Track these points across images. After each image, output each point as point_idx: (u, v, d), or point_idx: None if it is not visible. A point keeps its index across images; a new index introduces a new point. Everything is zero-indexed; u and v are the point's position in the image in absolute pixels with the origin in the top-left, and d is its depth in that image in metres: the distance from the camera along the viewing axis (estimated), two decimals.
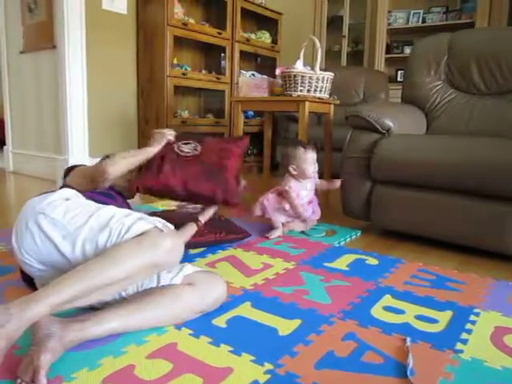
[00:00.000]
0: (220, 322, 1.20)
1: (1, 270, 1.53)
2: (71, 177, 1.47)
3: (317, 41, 2.45)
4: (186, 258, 1.66)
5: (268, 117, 2.99)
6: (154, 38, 3.49)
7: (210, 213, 1.75)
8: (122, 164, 1.44)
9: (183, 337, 1.11)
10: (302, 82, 2.39)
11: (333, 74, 2.51)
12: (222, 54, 4.08)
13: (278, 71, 2.70)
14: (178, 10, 3.61)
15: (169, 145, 1.60)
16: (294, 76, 2.39)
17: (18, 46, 3.73)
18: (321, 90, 2.46)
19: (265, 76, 2.73)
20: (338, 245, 2.00)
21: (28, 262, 1.18)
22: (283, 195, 2.08)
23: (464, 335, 1.18)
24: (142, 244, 1.08)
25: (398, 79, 4.78)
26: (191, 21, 3.69)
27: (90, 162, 2.23)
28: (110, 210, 1.21)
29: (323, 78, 2.43)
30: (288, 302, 1.35)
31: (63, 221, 1.15)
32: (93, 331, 1.00)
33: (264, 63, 4.74)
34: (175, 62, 3.65)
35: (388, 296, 1.43)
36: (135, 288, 1.16)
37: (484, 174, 1.74)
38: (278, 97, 2.57)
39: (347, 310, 1.31)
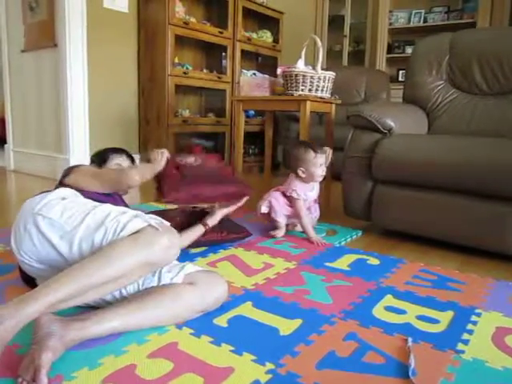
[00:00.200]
0: (221, 321, 1.20)
1: (2, 269, 1.53)
2: (76, 176, 1.46)
3: (318, 40, 2.45)
4: (187, 257, 1.66)
5: (269, 116, 2.98)
6: (155, 37, 3.49)
7: (218, 217, 1.78)
8: (147, 175, 1.50)
9: (184, 336, 1.11)
10: (303, 82, 2.39)
11: (334, 74, 2.50)
12: (223, 53, 4.07)
13: (279, 70, 2.70)
14: (180, 9, 3.60)
15: (170, 161, 1.68)
16: (296, 75, 2.38)
17: (20, 45, 3.73)
18: (322, 90, 2.46)
19: (266, 75, 2.73)
20: (338, 245, 2.00)
21: (27, 262, 1.19)
22: (289, 199, 2.06)
23: (465, 335, 1.18)
24: (137, 242, 1.07)
25: (400, 79, 4.78)
26: (192, 20, 3.69)
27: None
28: (106, 208, 1.21)
29: (325, 77, 2.43)
30: (289, 302, 1.35)
31: (60, 220, 1.15)
32: (93, 330, 1.00)
33: (265, 62, 4.73)
34: (176, 60, 3.64)
35: (389, 296, 1.43)
36: (136, 287, 1.16)
37: (485, 174, 1.74)
38: (280, 96, 2.56)
39: (348, 310, 1.31)
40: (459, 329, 1.21)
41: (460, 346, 1.12)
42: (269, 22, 4.61)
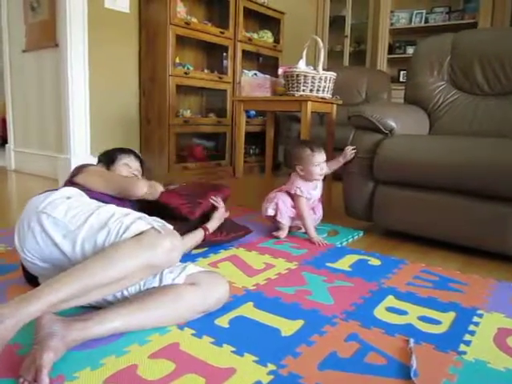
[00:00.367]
0: (222, 322, 1.20)
1: (3, 269, 1.53)
2: (86, 175, 1.47)
3: (319, 41, 2.44)
4: (189, 258, 1.66)
5: (270, 116, 2.98)
6: (157, 37, 3.49)
7: (216, 222, 1.79)
8: (154, 192, 1.55)
9: (186, 337, 1.11)
10: (304, 82, 2.38)
11: (335, 74, 2.50)
12: (224, 54, 4.07)
13: (280, 71, 2.70)
14: (181, 9, 3.60)
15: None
16: (297, 76, 2.38)
17: (21, 45, 3.73)
18: (323, 90, 2.46)
19: (267, 75, 2.73)
20: (340, 245, 2.00)
21: (30, 260, 1.19)
22: (293, 199, 2.05)
23: (467, 336, 1.17)
24: (140, 244, 1.08)
25: (401, 79, 4.77)
26: (194, 20, 3.69)
27: (91, 160, 2.22)
28: (110, 208, 1.21)
29: (326, 77, 2.43)
30: (290, 303, 1.35)
31: (64, 220, 1.16)
32: (95, 330, 1.00)
33: (266, 63, 4.73)
34: (177, 61, 3.64)
35: (391, 297, 1.42)
36: (137, 287, 1.16)
37: (487, 175, 1.74)
38: (281, 96, 2.56)
39: (350, 311, 1.30)
40: (461, 330, 1.21)
41: (462, 347, 1.11)
42: (270, 22, 4.60)
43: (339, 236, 2.13)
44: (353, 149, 2.14)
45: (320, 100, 2.47)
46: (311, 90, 2.41)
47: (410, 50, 4.64)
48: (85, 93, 3.29)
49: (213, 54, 4.19)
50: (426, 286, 1.53)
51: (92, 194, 1.38)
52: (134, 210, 1.28)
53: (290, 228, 2.11)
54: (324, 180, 2.18)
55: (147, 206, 1.57)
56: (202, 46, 4.09)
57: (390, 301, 1.39)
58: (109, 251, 1.07)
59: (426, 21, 4.65)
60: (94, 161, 1.74)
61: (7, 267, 1.54)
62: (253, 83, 2.65)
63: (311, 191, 2.06)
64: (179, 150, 3.81)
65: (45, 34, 3.43)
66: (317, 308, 1.31)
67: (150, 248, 1.08)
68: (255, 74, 2.76)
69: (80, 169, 1.50)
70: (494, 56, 2.34)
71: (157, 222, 1.17)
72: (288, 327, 1.18)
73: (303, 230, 2.13)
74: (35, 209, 1.21)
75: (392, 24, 4.76)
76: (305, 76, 2.37)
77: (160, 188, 1.68)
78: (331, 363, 1.02)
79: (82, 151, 3.32)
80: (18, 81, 3.90)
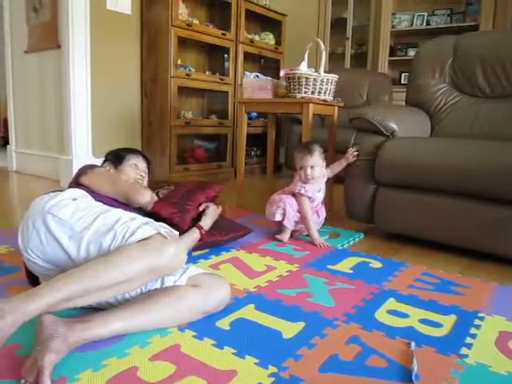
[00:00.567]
0: (223, 324, 1.20)
1: (5, 270, 1.53)
2: (92, 177, 1.47)
3: (321, 43, 2.45)
4: (190, 260, 1.65)
5: (272, 118, 2.98)
6: (158, 39, 3.49)
7: (210, 219, 1.77)
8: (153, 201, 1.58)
9: (186, 339, 1.11)
10: (306, 84, 2.38)
11: (337, 76, 2.50)
12: (226, 55, 4.07)
13: (282, 73, 2.70)
14: (183, 11, 3.61)
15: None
16: (299, 78, 2.38)
17: (23, 46, 3.74)
18: (325, 92, 2.46)
19: (269, 77, 2.73)
20: (341, 247, 2.00)
21: (32, 260, 1.19)
22: (297, 198, 2.05)
23: (469, 340, 1.17)
24: (145, 248, 1.08)
25: (402, 82, 4.76)
26: (195, 22, 3.69)
27: (93, 161, 2.24)
28: (117, 212, 1.22)
29: (327, 79, 2.43)
30: (292, 305, 1.35)
31: (70, 221, 1.16)
32: (97, 332, 1.00)
33: (268, 65, 4.74)
34: (179, 62, 3.65)
35: (392, 299, 1.42)
36: (139, 290, 1.16)
37: (488, 178, 1.74)
38: (282, 98, 2.56)
39: (351, 314, 1.30)
40: (462, 333, 1.21)
41: (463, 351, 1.11)
42: (271, 24, 4.61)
43: (340, 238, 2.13)
44: (355, 150, 2.14)
45: (321, 102, 2.48)
46: (313, 92, 2.41)
47: (412, 53, 4.63)
48: (86, 94, 3.29)
49: (214, 56, 4.20)
50: (428, 288, 1.53)
51: (97, 196, 1.39)
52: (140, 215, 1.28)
53: (293, 232, 2.11)
54: (326, 182, 2.18)
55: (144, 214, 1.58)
56: (203, 47, 4.10)
57: (391, 303, 1.39)
58: (114, 254, 1.07)
59: (428, 23, 4.65)
60: (96, 162, 1.74)
61: (9, 268, 1.54)
62: (254, 85, 2.65)
63: (315, 193, 2.06)
64: (180, 152, 3.81)
65: (47, 35, 3.44)
66: (318, 310, 1.31)
67: (155, 253, 1.08)
68: (257, 75, 2.77)
69: (86, 169, 1.51)
70: (495, 59, 2.34)
71: (163, 227, 1.18)
72: (289, 329, 1.18)
73: (305, 234, 2.12)
74: (41, 209, 1.21)
75: (393, 26, 4.76)
76: (306, 78, 2.37)
77: (154, 198, 1.69)
78: (332, 366, 1.02)
79: (83, 152, 3.32)
80: (20, 82, 3.91)
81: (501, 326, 1.26)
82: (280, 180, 3.77)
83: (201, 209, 1.78)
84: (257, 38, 4.39)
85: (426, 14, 4.65)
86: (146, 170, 1.72)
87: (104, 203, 1.32)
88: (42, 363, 0.86)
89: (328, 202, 2.56)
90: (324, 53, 2.42)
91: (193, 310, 1.17)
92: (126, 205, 1.46)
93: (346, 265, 1.75)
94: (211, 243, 1.82)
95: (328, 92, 2.48)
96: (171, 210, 1.69)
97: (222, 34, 3.88)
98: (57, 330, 0.93)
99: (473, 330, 1.23)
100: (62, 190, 1.34)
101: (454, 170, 1.82)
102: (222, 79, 3.95)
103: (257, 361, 1.02)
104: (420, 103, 2.52)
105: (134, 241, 1.10)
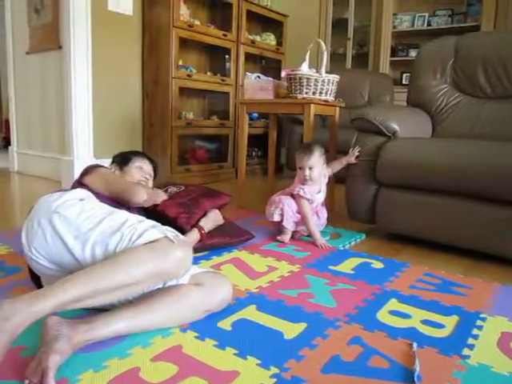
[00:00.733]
0: (225, 324, 1.19)
1: (7, 271, 1.53)
2: (93, 177, 1.48)
3: (323, 43, 2.44)
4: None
5: (273, 119, 2.98)
6: (160, 40, 3.50)
7: (211, 222, 1.79)
8: (151, 201, 1.59)
9: (188, 339, 1.11)
10: (307, 85, 2.38)
11: (338, 77, 2.50)
12: (227, 56, 4.07)
13: (283, 73, 2.70)
14: (184, 12, 3.61)
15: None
16: (300, 78, 2.38)
17: (24, 47, 3.75)
18: (326, 93, 2.45)
19: (270, 78, 2.73)
20: (342, 248, 2.00)
21: (35, 259, 1.19)
22: (296, 200, 2.05)
23: (471, 340, 1.17)
24: (152, 251, 1.08)
25: (403, 82, 4.76)
26: (197, 22, 3.69)
27: (94, 162, 2.23)
28: (124, 214, 1.22)
29: (329, 80, 2.43)
30: (293, 306, 1.34)
31: (77, 221, 1.17)
32: (100, 332, 1.00)
33: (269, 65, 4.74)
34: (180, 63, 3.65)
35: (394, 300, 1.42)
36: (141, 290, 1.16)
37: (490, 178, 1.73)
38: (284, 99, 2.56)
39: (353, 314, 1.30)
40: (464, 333, 1.21)
41: (465, 351, 1.11)
42: (273, 24, 4.61)
43: (342, 239, 2.13)
44: (358, 151, 2.14)
45: (323, 103, 2.47)
46: (314, 93, 2.41)
47: (413, 53, 4.63)
48: (88, 95, 3.30)
49: (216, 57, 4.20)
50: (429, 289, 1.53)
51: (101, 197, 1.39)
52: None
53: (294, 233, 2.10)
54: (327, 184, 2.18)
55: (145, 214, 1.58)
56: (204, 48, 4.10)
57: (393, 304, 1.39)
58: (120, 256, 1.07)
59: (429, 24, 4.64)
60: (97, 162, 1.75)
61: (12, 269, 1.54)
62: (256, 86, 2.65)
63: (314, 194, 2.06)
64: (182, 152, 3.81)
65: (48, 36, 3.45)
66: (320, 311, 1.31)
67: (162, 256, 1.08)
68: (258, 76, 2.76)
69: (90, 169, 1.52)
70: (496, 59, 2.34)
71: (170, 231, 1.18)
72: (291, 330, 1.18)
73: (306, 235, 2.12)
74: (47, 208, 1.21)
75: (395, 27, 4.76)
76: (308, 79, 2.37)
77: (163, 197, 1.71)
78: (334, 367, 1.02)
79: (84, 153, 3.32)
80: (22, 83, 3.91)
81: (503, 327, 1.26)
82: (281, 181, 3.77)
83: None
84: (258, 38, 4.39)
85: (427, 14, 4.65)
86: (152, 173, 1.74)
87: (108, 204, 1.33)
88: (46, 364, 0.86)
89: (329, 202, 2.56)
90: (325, 53, 2.42)
91: (195, 308, 1.17)
92: (128, 207, 1.46)
93: (347, 265, 1.74)
94: (211, 246, 1.82)
95: (329, 92, 2.48)
96: (178, 209, 1.70)
97: (224, 34, 3.88)
98: (61, 331, 0.94)
99: (475, 331, 1.23)
100: (66, 190, 1.35)
101: (455, 171, 1.82)
102: (223, 80, 3.95)
103: (258, 361, 1.02)
104: (421, 104, 2.52)
105: (141, 243, 1.10)
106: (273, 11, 4.49)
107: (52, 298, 0.94)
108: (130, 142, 3.63)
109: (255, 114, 4.39)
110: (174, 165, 3.57)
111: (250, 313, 1.28)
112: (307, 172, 2.01)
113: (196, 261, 1.69)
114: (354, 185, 2.19)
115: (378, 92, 4.18)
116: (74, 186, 1.46)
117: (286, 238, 2.04)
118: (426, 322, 1.27)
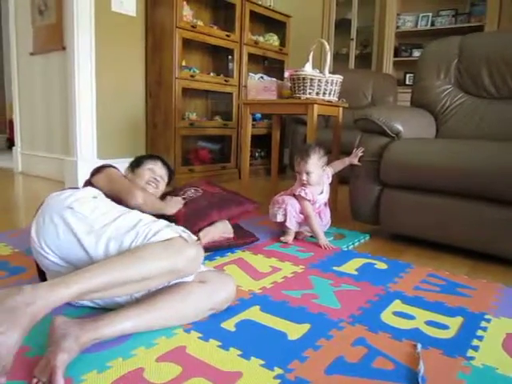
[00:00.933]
0: (229, 325, 1.19)
1: (11, 271, 1.54)
2: (100, 176, 1.51)
3: (326, 44, 2.44)
4: None
5: (276, 119, 2.98)
6: (163, 40, 3.50)
7: (216, 233, 1.79)
8: (152, 207, 1.51)
9: (192, 340, 1.11)
10: (310, 85, 2.38)
11: (341, 77, 2.50)
12: (230, 57, 4.08)
13: (286, 74, 2.70)
14: (187, 13, 3.61)
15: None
16: (303, 79, 2.38)
17: (28, 48, 3.76)
18: (330, 93, 2.45)
19: (273, 78, 2.73)
20: (346, 249, 1.99)
21: (45, 254, 1.19)
22: (298, 201, 2.05)
23: (475, 342, 1.17)
24: (167, 248, 1.10)
25: (407, 82, 4.75)
26: (200, 23, 3.70)
27: (98, 163, 2.23)
28: (138, 214, 1.25)
29: (332, 80, 2.43)
30: (297, 306, 1.34)
31: (91, 217, 1.19)
32: (107, 331, 1.01)
33: (272, 66, 4.74)
34: (183, 64, 3.65)
35: (398, 301, 1.42)
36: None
37: (494, 179, 1.73)
38: (287, 99, 2.56)
39: (357, 315, 1.30)
40: (469, 335, 1.20)
41: (470, 353, 1.11)
42: (276, 25, 4.61)
43: (345, 239, 2.12)
44: (362, 151, 2.13)
45: (326, 103, 2.47)
46: (317, 93, 2.41)
47: (416, 53, 4.62)
48: (91, 95, 3.30)
49: (219, 57, 4.20)
50: (434, 290, 1.52)
51: (108, 197, 1.41)
52: None
53: (297, 234, 2.10)
54: (330, 184, 2.17)
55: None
56: (208, 49, 4.10)
57: (397, 305, 1.39)
58: (136, 250, 1.09)
59: (433, 24, 4.63)
60: (100, 163, 1.77)
61: (16, 269, 1.55)
62: (259, 86, 2.65)
63: (316, 195, 2.05)
64: (185, 153, 3.81)
65: (52, 37, 3.46)
66: (323, 312, 1.31)
67: (177, 254, 1.10)
68: (261, 77, 2.77)
69: (100, 168, 1.55)
70: (501, 59, 2.33)
71: (184, 231, 1.20)
72: (294, 331, 1.18)
73: (310, 235, 2.12)
74: (60, 204, 1.23)
75: (398, 27, 4.75)
76: (311, 79, 2.37)
77: (178, 206, 1.71)
78: (338, 368, 1.02)
79: (88, 154, 3.33)
80: (26, 83, 3.93)
81: (508, 328, 1.25)
82: (284, 181, 3.77)
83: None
84: (261, 39, 4.39)
85: (430, 14, 4.64)
86: (164, 176, 1.75)
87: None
88: (54, 363, 0.87)
89: (333, 203, 2.55)
90: (328, 54, 2.42)
91: (200, 306, 1.18)
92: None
93: (351, 266, 1.74)
94: (218, 247, 1.83)
95: (333, 93, 2.47)
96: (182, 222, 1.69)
97: (227, 35, 3.88)
98: (68, 330, 0.94)
99: (479, 332, 1.22)
100: (77, 188, 1.38)
101: (459, 171, 1.81)
102: (226, 80, 3.96)
103: (262, 362, 1.02)
104: (425, 104, 2.51)
105: (156, 241, 1.12)
106: (276, 12, 4.49)
107: (73, 285, 0.95)
108: (133, 142, 3.64)
109: (258, 115, 4.39)
110: (178, 165, 3.58)
111: (254, 313, 1.28)
112: (305, 177, 2.01)
113: None
114: (357, 186, 2.18)
115: (382, 92, 4.17)
116: (85, 185, 1.49)
117: (290, 238, 2.04)
118: (430, 323, 1.26)
